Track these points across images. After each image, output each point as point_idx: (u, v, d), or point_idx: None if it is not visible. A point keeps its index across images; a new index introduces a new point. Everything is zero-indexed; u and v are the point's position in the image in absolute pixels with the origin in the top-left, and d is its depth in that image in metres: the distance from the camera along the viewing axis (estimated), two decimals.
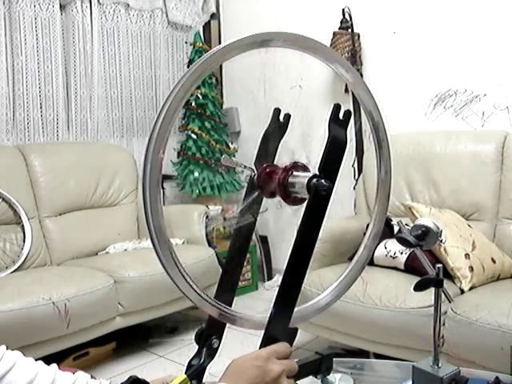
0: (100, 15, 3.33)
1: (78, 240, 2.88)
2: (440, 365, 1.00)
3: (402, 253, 2.20)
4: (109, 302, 2.39)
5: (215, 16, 3.88)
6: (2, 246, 2.60)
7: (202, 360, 0.80)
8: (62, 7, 3.18)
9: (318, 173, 0.74)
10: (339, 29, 3.05)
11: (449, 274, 2.03)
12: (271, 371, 0.71)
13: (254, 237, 3.50)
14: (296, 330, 0.79)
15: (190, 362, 0.80)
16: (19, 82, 3.02)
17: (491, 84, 2.65)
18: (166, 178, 3.58)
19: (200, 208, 3.10)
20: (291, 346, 0.77)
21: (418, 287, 0.99)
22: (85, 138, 3.31)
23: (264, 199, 0.83)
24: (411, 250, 2.10)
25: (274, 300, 0.75)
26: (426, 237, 1.00)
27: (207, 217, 3.06)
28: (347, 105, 2.83)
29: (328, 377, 0.84)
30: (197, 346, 0.82)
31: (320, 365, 0.81)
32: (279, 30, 0.73)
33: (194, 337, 0.82)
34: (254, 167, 0.82)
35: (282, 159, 0.81)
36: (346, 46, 2.98)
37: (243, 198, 0.83)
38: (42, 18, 3.09)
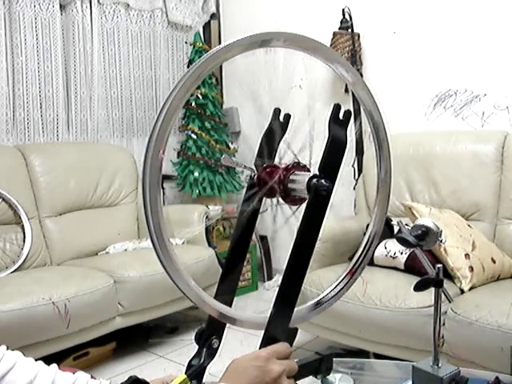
0: (100, 15, 3.33)
1: (78, 240, 2.88)
2: (440, 365, 1.00)
3: (402, 253, 2.20)
4: (109, 301, 2.39)
5: (215, 16, 3.88)
6: (1, 246, 2.60)
7: (201, 360, 0.80)
8: (62, 7, 3.18)
9: (318, 173, 0.74)
10: (339, 29, 3.05)
11: (449, 274, 2.03)
12: (271, 371, 0.71)
13: (254, 237, 3.50)
14: (296, 329, 0.79)
15: (190, 361, 0.80)
16: (19, 82, 3.02)
17: (491, 84, 2.65)
18: (166, 178, 3.58)
19: (200, 208, 3.10)
20: (291, 346, 0.77)
21: (418, 287, 0.99)
22: (85, 137, 3.31)
23: (264, 199, 0.83)
24: (411, 250, 2.10)
25: (273, 300, 0.75)
26: (425, 237, 0.99)
27: (207, 217, 3.06)
28: (347, 105, 2.83)
29: (328, 377, 0.84)
30: (197, 346, 0.82)
31: (320, 365, 0.81)
32: (279, 30, 0.73)
33: (193, 337, 0.82)
34: (253, 167, 0.82)
35: (282, 159, 0.81)
36: (346, 46, 2.98)
37: (243, 198, 0.83)
38: (41, 18, 3.09)
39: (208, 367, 0.80)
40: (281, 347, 0.75)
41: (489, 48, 2.64)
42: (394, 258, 2.21)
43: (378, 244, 2.25)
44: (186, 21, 3.72)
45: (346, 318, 2.08)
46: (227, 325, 0.81)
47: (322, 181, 0.72)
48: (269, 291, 3.47)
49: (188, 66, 3.66)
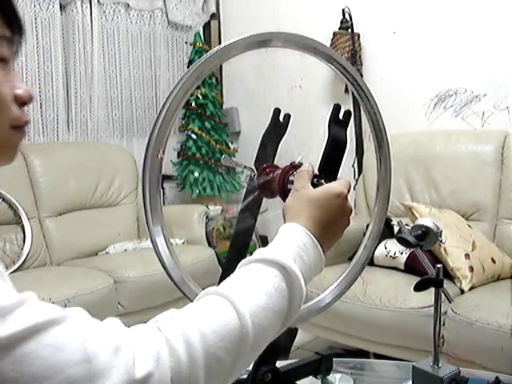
0: (100, 15, 3.33)
1: (78, 240, 2.88)
2: (440, 365, 1.00)
3: (402, 253, 2.20)
4: (109, 301, 2.39)
5: (215, 16, 3.88)
6: (1, 246, 2.60)
7: None
8: (62, 7, 3.18)
9: (318, 173, 0.74)
10: (339, 29, 3.05)
11: (449, 274, 2.03)
12: (348, 210, 0.71)
13: (253, 237, 3.49)
14: (296, 330, 0.79)
15: None
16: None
17: (491, 84, 2.65)
18: (166, 178, 3.58)
19: (200, 208, 3.10)
20: (291, 346, 0.77)
21: (418, 287, 0.99)
22: (85, 138, 3.31)
23: (264, 199, 0.83)
24: (411, 250, 2.10)
25: None
26: (426, 237, 1.00)
27: (207, 217, 3.06)
28: (347, 105, 2.83)
29: (328, 377, 0.84)
30: None
31: (320, 365, 0.81)
32: (279, 30, 0.73)
33: None
34: (253, 167, 0.82)
35: (282, 159, 0.81)
36: (346, 46, 2.98)
37: (243, 198, 0.83)
38: (41, 18, 3.09)
39: None
40: (347, 184, 0.72)
41: (489, 48, 2.64)
42: (394, 258, 2.21)
43: (378, 244, 2.25)
44: (186, 21, 3.72)
45: (346, 318, 2.08)
46: None
47: (322, 181, 0.72)
48: None
49: (188, 66, 3.66)
